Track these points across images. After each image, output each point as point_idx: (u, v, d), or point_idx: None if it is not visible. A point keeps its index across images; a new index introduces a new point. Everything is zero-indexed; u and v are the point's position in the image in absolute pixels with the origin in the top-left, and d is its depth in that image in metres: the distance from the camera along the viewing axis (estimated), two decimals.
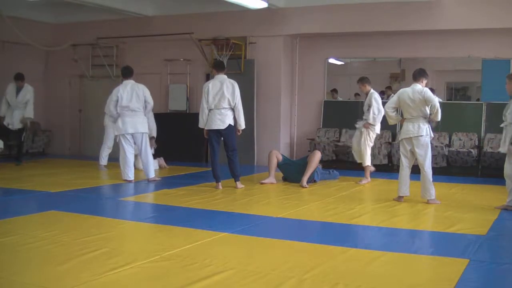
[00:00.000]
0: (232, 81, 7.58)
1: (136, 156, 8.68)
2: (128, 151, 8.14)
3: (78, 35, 11.95)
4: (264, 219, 5.69)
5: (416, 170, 6.66)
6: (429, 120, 6.53)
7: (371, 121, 8.12)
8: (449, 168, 9.32)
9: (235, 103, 7.50)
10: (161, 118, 10.27)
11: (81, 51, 12.09)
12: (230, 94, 7.47)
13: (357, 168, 9.06)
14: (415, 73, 6.66)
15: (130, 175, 8.16)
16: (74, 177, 8.62)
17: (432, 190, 6.48)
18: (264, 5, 9.74)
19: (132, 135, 8.12)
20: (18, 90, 9.90)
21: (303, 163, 8.12)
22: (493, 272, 3.87)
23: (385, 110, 6.96)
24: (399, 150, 6.84)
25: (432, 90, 6.80)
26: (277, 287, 3.43)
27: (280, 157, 8.37)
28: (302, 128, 11.08)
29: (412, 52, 10.06)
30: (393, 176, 8.15)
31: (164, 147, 10.06)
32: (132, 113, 8.06)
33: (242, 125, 7.64)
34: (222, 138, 7.62)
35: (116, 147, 8.78)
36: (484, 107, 9.66)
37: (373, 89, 8.30)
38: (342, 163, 9.97)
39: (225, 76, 7.63)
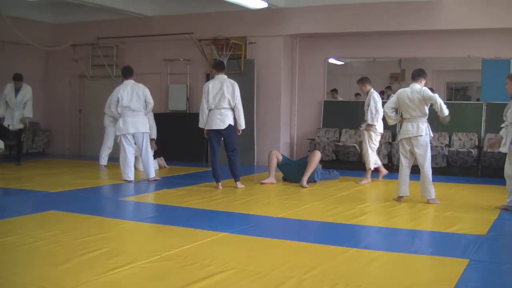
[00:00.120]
0: (232, 81, 7.58)
1: (136, 157, 8.69)
2: (129, 151, 8.15)
3: (78, 35, 11.95)
4: (264, 219, 5.69)
5: (416, 170, 6.66)
6: (440, 120, 6.51)
7: (369, 121, 8.13)
8: (449, 168, 9.32)
9: (235, 103, 7.51)
10: (161, 118, 10.28)
11: (81, 51, 12.09)
12: (230, 94, 7.47)
13: (357, 168, 9.07)
14: (414, 73, 6.67)
15: (130, 175, 8.16)
16: (74, 177, 8.62)
17: (432, 190, 6.47)
18: (264, 5, 9.74)
19: (133, 135, 8.13)
20: (17, 90, 9.90)
21: (303, 163, 8.12)
22: (493, 272, 3.87)
23: (384, 110, 6.96)
24: (399, 150, 6.84)
25: (431, 90, 6.79)
26: (277, 287, 3.43)
27: (280, 157, 8.38)
28: (302, 128, 11.08)
29: (412, 52, 10.06)
30: (393, 176, 8.15)
31: (164, 147, 10.06)
32: (133, 113, 8.07)
33: (242, 125, 7.64)
34: (222, 138, 7.62)
35: (116, 147, 8.79)
36: (484, 107, 9.66)
37: (373, 89, 8.31)
38: (342, 163, 9.97)
39: (225, 76, 7.63)
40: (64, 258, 3.97)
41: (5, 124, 9.88)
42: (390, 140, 9.86)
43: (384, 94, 10.08)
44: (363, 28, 9.95)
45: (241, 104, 7.58)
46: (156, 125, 9.60)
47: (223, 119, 7.49)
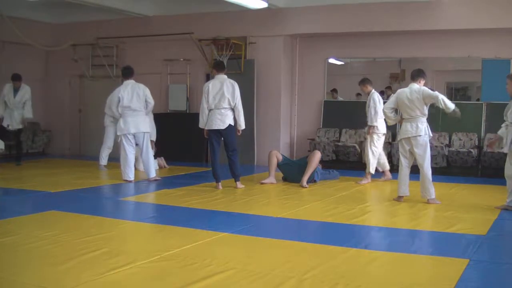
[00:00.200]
0: (232, 81, 7.58)
1: (136, 157, 8.69)
2: (129, 151, 8.15)
3: (78, 35, 11.95)
4: (264, 219, 5.69)
5: (415, 170, 6.66)
6: (449, 116, 6.49)
7: (369, 122, 8.14)
8: (449, 168, 9.31)
9: (235, 103, 7.51)
10: (161, 118, 10.28)
11: (81, 51, 12.09)
12: (230, 94, 7.47)
13: (357, 168, 9.07)
14: (413, 73, 6.67)
15: (131, 175, 8.16)
16: (74, 177, 8.62)
17: (432, 190, 6.47)
18: (264, 5, 9.74)
19: (134, 134, 8.13)
20: (16, 90, 9.90)
21: (303, 163, 8.12)
22: (493, 272, 3.87)
23: (383, 111, 6.97)
24: (398, 150, 6.83)
25: (431, 90, 6.79)
26: (277, 287, 3.43)
27: (280, 157, 8.37)
28: (302, 128, 11.07)
29: (412, 52, 10.06)
30: (393, 176, 8.17)
31: (164, 147, 10.06)
32: (134, 113, 8.08)
33: (242, 125, 7.64)
34: (222, 138, 7.62)
35: (116, 147, 8.79)
36: (484, 107, 9.66)
37: (374, 89, 8.31)
38: (342, 163, 9.97)
39: (225, 76, 7.63)
40: (64, 258, 3.97)
41: (4, 124, 9.88)
42: (390, 140, 9.85)
43: (384, 94, 10.08)
44: (363, 28, 9.94)
45: (241, 104, 7.58)
46: (156, 125, 9.57)
47: (223, 119, 7.49)
